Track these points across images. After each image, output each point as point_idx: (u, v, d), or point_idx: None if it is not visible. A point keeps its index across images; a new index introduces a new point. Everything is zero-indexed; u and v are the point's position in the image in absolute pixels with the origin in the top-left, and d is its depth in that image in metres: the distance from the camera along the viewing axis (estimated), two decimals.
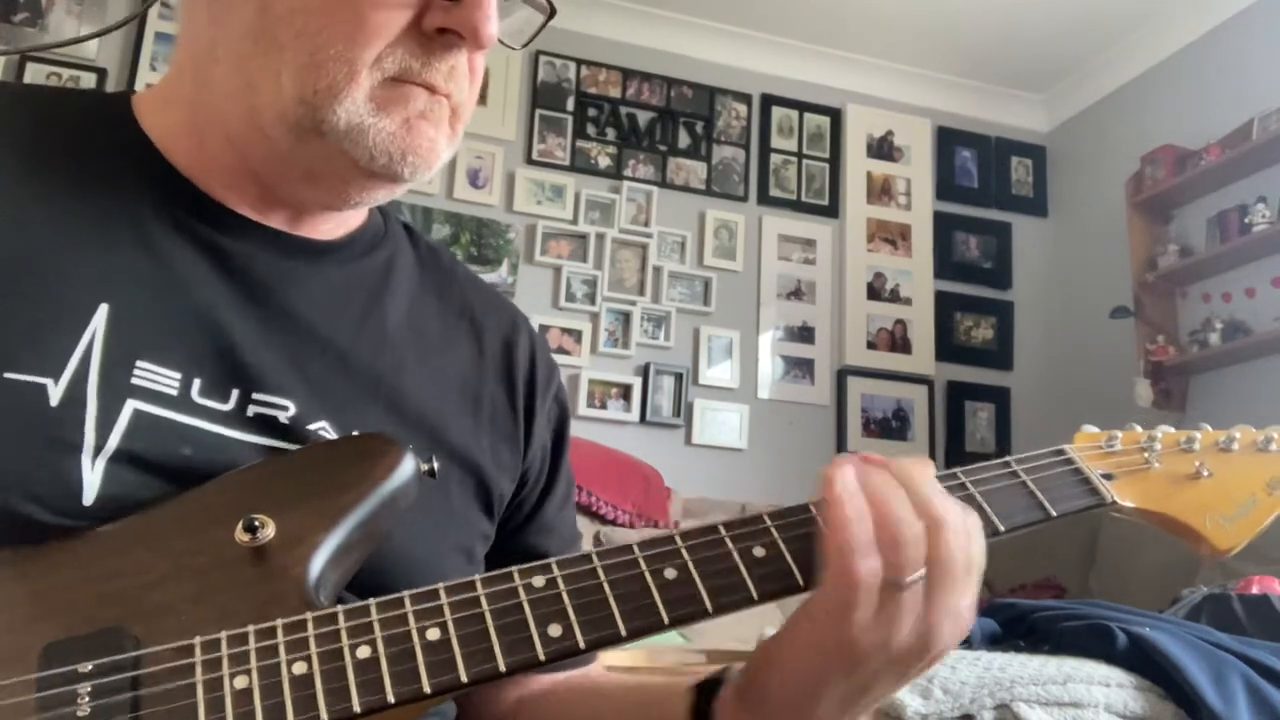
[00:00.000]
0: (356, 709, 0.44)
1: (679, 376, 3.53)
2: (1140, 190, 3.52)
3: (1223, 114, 3.31)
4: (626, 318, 3.53)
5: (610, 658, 1.19)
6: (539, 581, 0.50)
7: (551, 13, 0.68)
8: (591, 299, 3.52)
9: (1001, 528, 0.56)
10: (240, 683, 0.45)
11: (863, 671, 0.51)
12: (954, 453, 3.74)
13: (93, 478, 0.53)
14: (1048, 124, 4.22)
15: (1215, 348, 3.20)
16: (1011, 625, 1.81)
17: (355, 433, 0.62)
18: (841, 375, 3.74)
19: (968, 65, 3.98)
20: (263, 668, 0.45)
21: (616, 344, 3.51)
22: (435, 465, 0.60)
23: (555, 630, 0.48)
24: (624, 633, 0.48)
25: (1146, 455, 0.64)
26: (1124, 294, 3.53)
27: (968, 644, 1.73)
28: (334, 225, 0.70)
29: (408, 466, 0.57)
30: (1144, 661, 1.53)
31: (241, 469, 0.57)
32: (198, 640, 0.46)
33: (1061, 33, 3.71)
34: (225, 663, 0.45)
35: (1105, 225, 3.73)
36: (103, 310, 0.57)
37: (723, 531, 0.52)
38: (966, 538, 0.52)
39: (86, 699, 0.44)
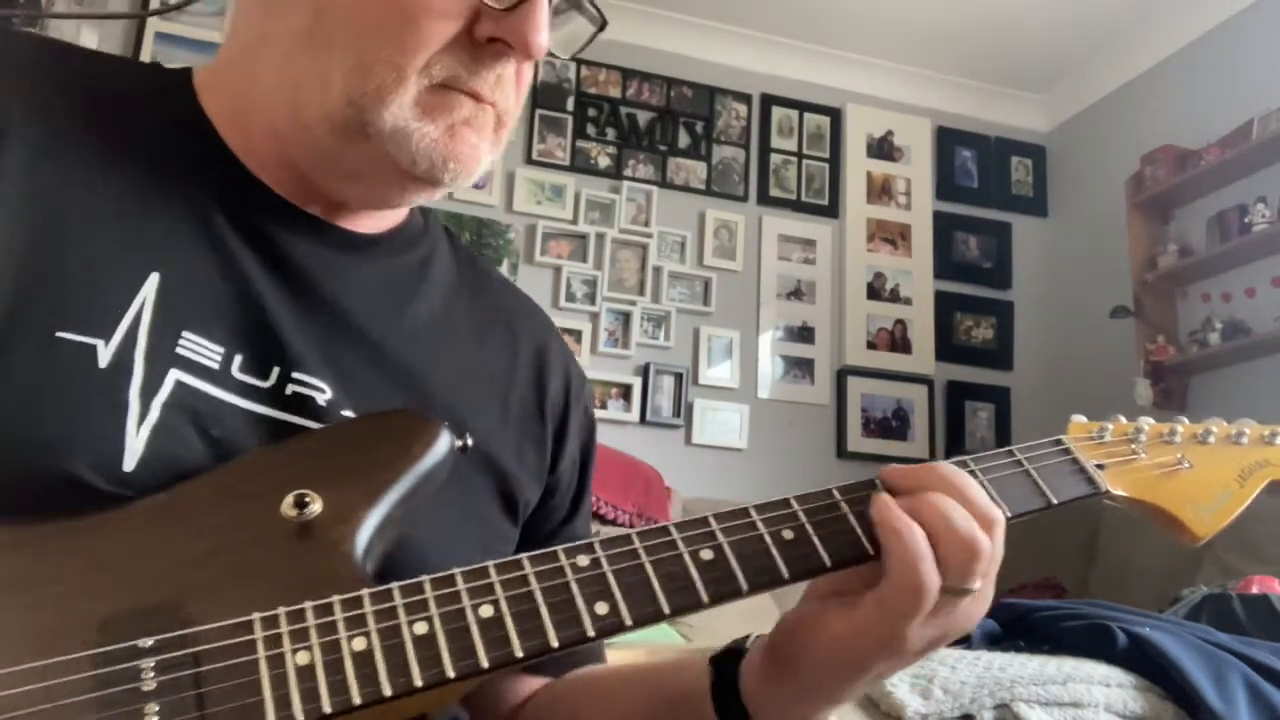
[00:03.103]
0: (418, 683, 0.45)
1: (679, 376, 3.53)
2: (1140, 190, 3.52)
3: (1222, 114, 3.31)
4: (626, 318, 3.53)
5: (611, 655, 1.19)
6: (583, 561, 0.51)
7: (603, 24, 0.69)
8: (591, 299, 3.52)
9: (1008, 513, 0.58)
10: (302, 658, 0.45)
11: (903, 659, 0.54)
12: (954, 453, 3.72)
13: (136, 444, 0.54)
14: (1048, 124, 4.22)
15: (1215, 348, 3.20)
16: (1011, 625, 1.81)
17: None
18: (841, 375, 3.74)
19: (968, 65, 3.98)
20: (324, 644, 0.46)
21: (616, 344, 3.51)
22: (470, 441, 0.61)
23: (602, 608, 0.50)
24: (667, 610, 0.51)
25: (1134, 446, 0.67)
26: (1124, 294, 3.53)
27: (968, 644, 1.73)
28: (374, 221, 0.71)
29: (444, 442, 0.58)
30: (1144, 661, 1.53)
31: (277, 445, 0.58)
32: (256, 616, 0.46)
33: (1061, 33, 3.71)
34: (286, 639, 0.46)
35: (1105, 225, 3.73)
36: (153, 278, 0.58)
37: (754, 514, 0.55)
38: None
39: (151, 674, 0.44)
